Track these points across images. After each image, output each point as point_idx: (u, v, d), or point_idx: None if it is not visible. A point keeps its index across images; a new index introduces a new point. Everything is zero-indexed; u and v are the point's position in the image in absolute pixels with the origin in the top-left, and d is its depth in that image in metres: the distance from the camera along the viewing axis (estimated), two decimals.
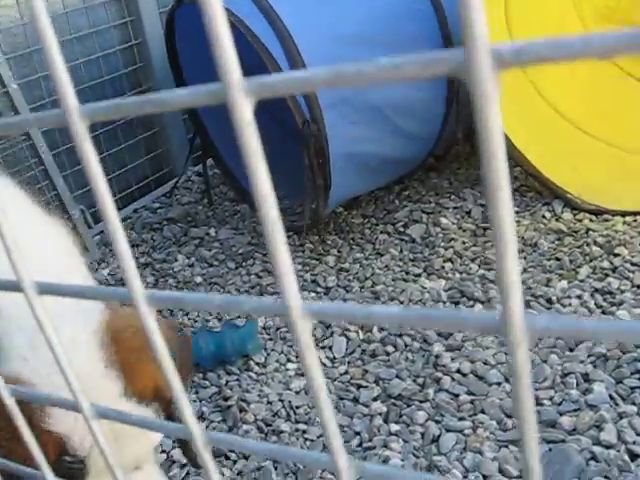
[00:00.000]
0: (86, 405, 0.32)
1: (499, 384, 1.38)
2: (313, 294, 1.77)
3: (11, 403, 0.36)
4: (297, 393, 1.47)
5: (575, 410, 1.29)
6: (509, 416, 1.30)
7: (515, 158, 1.93)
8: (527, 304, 1.56)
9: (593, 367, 1.37)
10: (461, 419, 1.32)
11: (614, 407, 1.28)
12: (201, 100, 0.22)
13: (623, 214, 1.79)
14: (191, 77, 2.12)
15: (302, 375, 1.51)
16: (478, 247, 1.81)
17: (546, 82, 2.04)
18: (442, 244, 1.85)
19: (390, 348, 1.53)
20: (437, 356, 1.47)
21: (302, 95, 1.70)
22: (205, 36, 0.20)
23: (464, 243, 1.83)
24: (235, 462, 1.32)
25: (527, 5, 1.95)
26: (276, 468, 1.29)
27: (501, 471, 1.20)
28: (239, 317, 1.70)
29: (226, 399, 1.48)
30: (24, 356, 0.74)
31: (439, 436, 1.29)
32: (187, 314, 1.78)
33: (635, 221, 1.77)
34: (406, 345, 1.53)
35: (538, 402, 1.31)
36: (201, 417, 1.45)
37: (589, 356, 1.40)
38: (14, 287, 0.30)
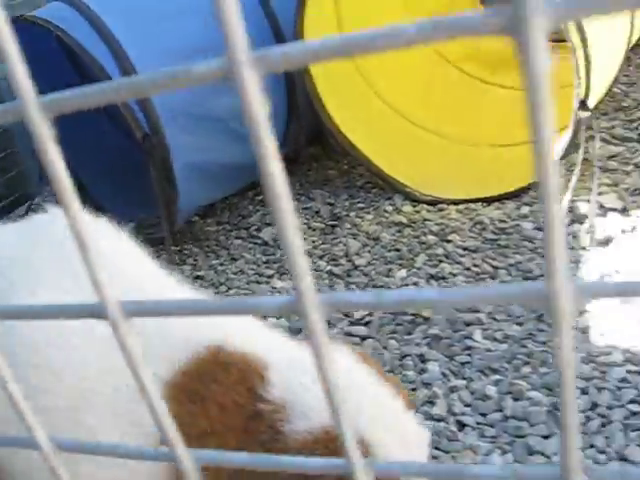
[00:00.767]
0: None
1: None
2: None
3: None
4: None
5: (412, 390, 1.38)
6: None
7: (355, 156, 2.03)
8: None
9: (428, 348, 1.48)
10: None
11: (445, 383, 1.39)
12: (1, 119, 0.23)
13: (456, 203, 1.93)
14: None
15: None
16: (327, 245, 1.89)
17: (383, 84, 2.16)
18: None
19: None
20: None
21: (141, 110, 1.72)
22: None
23: (313, 242, 1.91)
24: None
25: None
26: None
27: None
28: None
29: None
30: None
31: None
32: None
33: (467, 209, 1.91)
34: None
35: None
36: None
37: (424, 338, 1.50)
38: None
